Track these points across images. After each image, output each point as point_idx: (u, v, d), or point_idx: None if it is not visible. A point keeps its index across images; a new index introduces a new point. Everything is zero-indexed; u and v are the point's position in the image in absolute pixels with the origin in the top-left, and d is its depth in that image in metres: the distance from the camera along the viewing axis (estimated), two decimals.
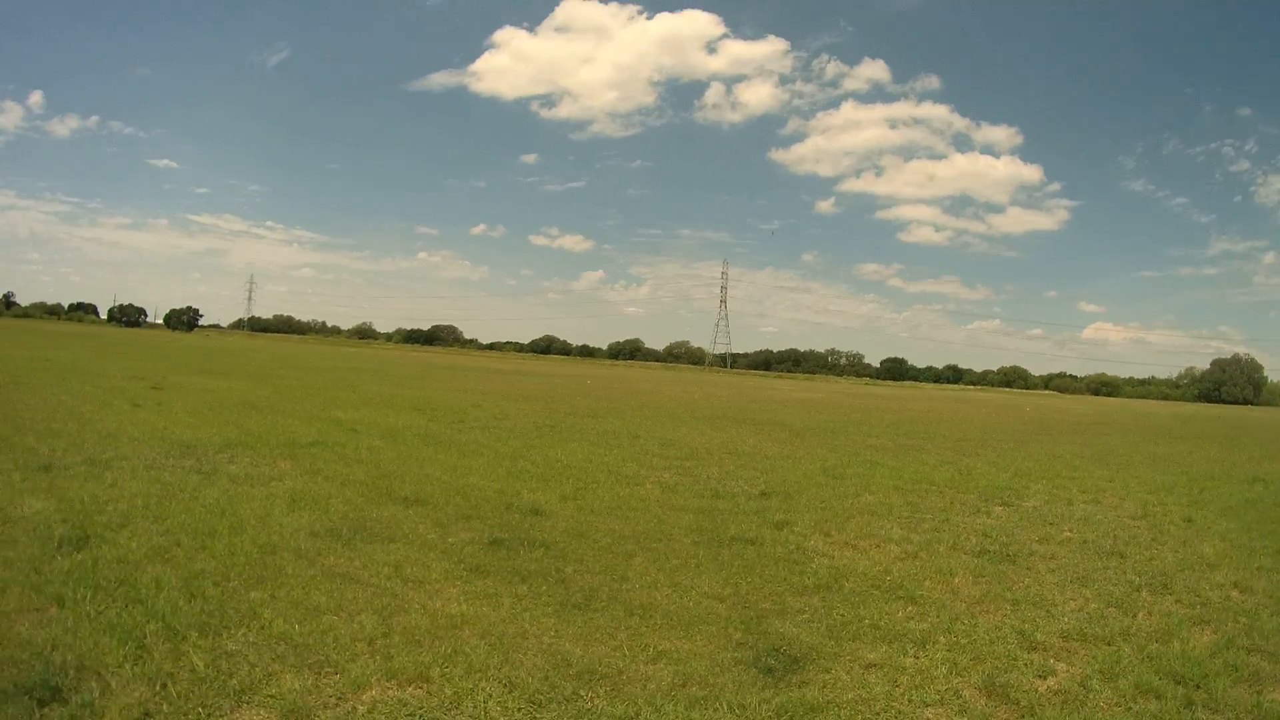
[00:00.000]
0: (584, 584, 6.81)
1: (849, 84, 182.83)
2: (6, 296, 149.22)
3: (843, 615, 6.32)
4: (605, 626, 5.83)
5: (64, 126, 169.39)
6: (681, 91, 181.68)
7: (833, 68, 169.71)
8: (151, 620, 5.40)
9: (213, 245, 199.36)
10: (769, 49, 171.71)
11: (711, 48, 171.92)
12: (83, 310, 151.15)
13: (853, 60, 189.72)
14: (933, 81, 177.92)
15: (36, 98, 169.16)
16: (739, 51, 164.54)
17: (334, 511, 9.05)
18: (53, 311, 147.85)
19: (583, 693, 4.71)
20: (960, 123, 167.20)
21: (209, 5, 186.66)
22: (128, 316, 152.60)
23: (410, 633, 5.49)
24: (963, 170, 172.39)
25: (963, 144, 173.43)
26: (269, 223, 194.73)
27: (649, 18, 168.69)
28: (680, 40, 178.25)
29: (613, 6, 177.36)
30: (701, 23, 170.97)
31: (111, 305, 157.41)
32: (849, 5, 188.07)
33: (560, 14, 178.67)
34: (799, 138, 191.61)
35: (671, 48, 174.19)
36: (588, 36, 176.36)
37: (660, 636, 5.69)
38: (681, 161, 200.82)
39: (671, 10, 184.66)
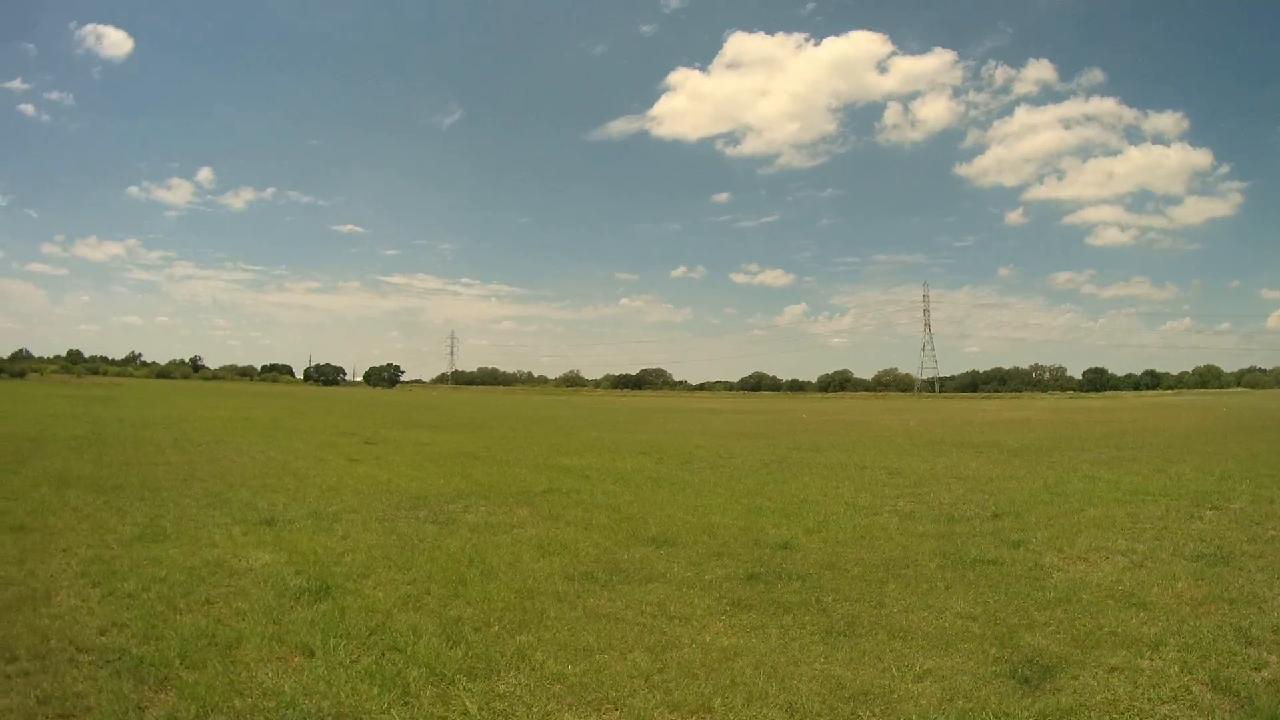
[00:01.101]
0: (844, 611, 7.75)
1: (1019, 88, 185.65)
2: (194, 360, 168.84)
3: (1084, 625, 7.29)
4: (870, 650, 6.67)
5: (239, 199, 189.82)
6: (860, 115, 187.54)
7: (1001, 73, 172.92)
8: (413, 666, 6.07)
9: (408, 304, 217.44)
10: (937, 61, 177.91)
11: (882, 67, 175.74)
12: (277, 371, 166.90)
13: (1018, 63, 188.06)
14: (1097, 75, 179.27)
15: (206, 173, 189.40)
16: (909, 68, 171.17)
17: (585, 555, 10.12)
18: (244, 373, 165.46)
19: (860, 713, 5.45)
20: (1129, 114, 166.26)
21: (376, 73, 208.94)
22: (325, 376, 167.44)
23: (685, 666, 6.20)
24: (1138, 164, 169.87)
25: (1134, 136, 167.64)
26: (465, 279, 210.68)
27: (816, 44, 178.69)
28: (851, 63, 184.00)
29: (779, 37, 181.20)
30: (868, 43, 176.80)
31: (307, 365, 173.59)
32: (1002, 5, 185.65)
33: (729, 50, 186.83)
34: (979, 149, 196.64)
35: (843, 72, 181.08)
36: (759, 70, 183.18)
37: (923, 656, 6.52)
38: (870, 186, 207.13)
39: (836, 34, 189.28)
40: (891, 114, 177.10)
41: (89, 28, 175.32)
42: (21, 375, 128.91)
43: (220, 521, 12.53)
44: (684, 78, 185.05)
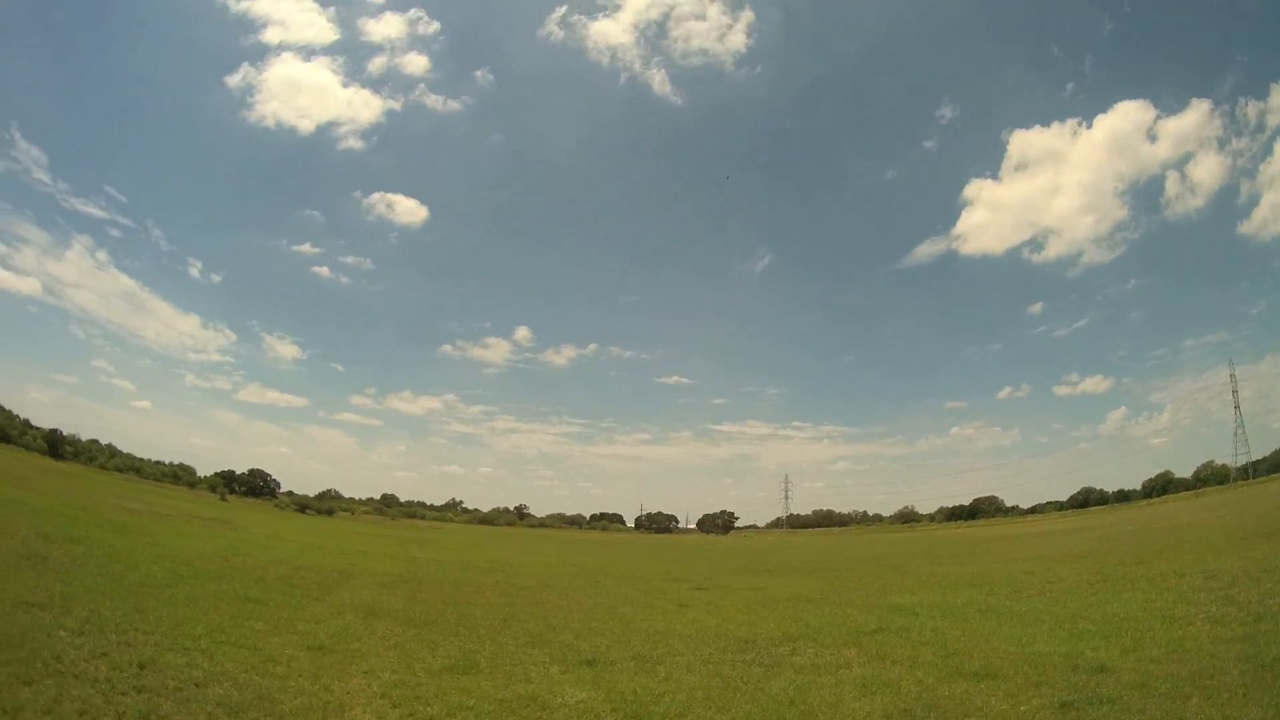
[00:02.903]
0: None
1: (1271, 120, 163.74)
2: (519, 508, 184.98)
3: None
4: None
5: (560, 356, 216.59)
6: (1143, 193, 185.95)
7: (1251, 109, 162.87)
8: None
9: (740, 451, 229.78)
10: (1196, 115, 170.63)
11: (1152, 135, 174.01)
12: (606, 519, 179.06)
13: (1260, 93, 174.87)
14: None
15: (524, 332, 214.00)
16: (1175, 129, 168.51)
17: (906, 693, 11.14)
18: (572, 521, 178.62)
19: None
20: None
21: (685, 227, 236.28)
22: (657, 524, 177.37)
23: None
24: None
25: None
26: (795, 423, 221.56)
27: (1088, 126, 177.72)
28: (1124, 139, 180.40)
29: (1055, 127, 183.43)
30: (1134, 112, 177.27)
31: (639, 514, 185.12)
32: (1233, 33, 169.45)
33: (1014, 152, 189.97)
34: (1254, 200, 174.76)
35: (1119, 150, 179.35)
36: (1046, 166, 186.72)
37: None
38: (1167, 268, 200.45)
39: (1103, 110, 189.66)
40: (1171, 184, 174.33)
41: (376, 196, 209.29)
42: (330, 513, 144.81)
43: (538, 660, 14.36)
44: (979, 189, 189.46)
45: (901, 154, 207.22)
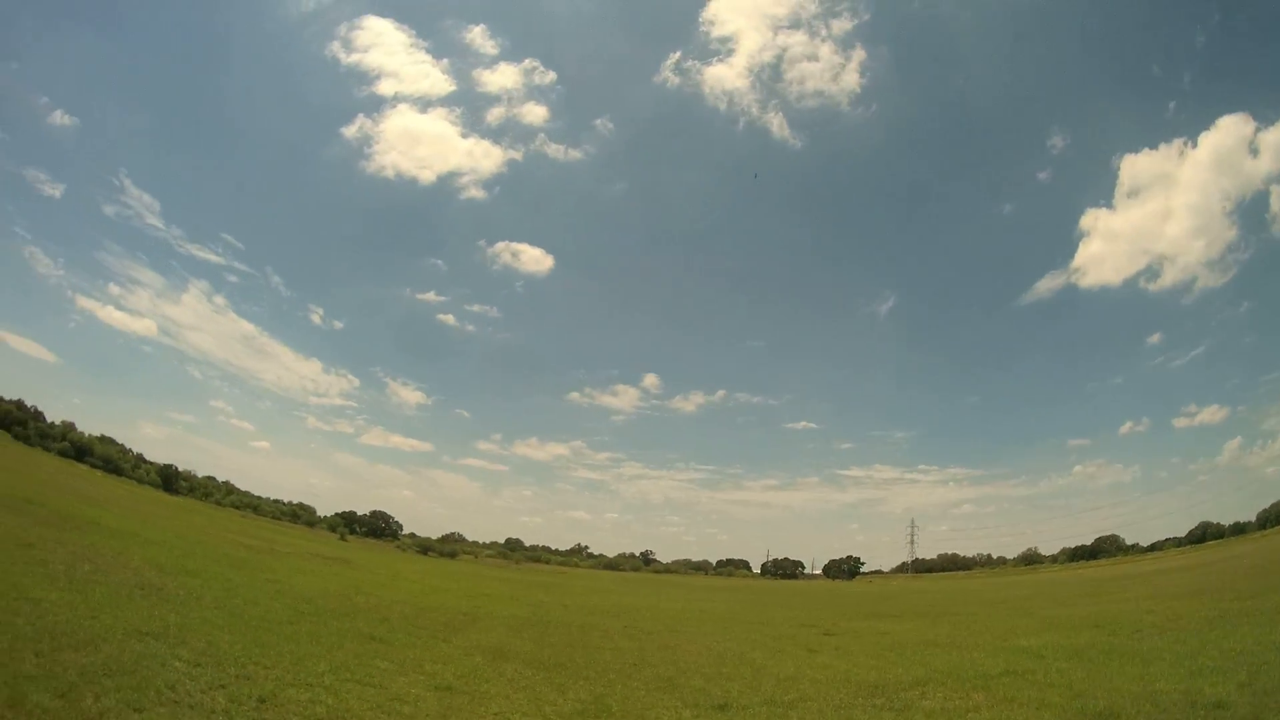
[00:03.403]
0: None
1: None
2: (645, 554, 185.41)
3: None
4: None
5: (689, 403, 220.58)
6: (1249, 211, 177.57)
7: None
8: None
9: (866, 496, 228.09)
10: None
11: (1253, 149, 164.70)
12: (732, 565, 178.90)
13: None
14: None
15: (652, 379, 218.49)
16: (1274, 140, 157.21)
17: None
18: (698, 567, 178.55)
19: None
20: None
21: (807, 271, 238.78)
22: (783, 569, 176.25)
23: None
24: None
25: None
26: (921, 466, 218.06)
27: (1194, 145, 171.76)
28: (1227, 156, 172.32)
29: (1162, 150, 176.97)
30: (1235, 126, 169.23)
31: (765, 560, 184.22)
32: None
33: (1125, 178, 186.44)
34: None
35: (1224, 168, 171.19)
36: (1157, 191, 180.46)
37: None
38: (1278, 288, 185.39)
39: (1206, 127, 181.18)
40: (1276, 199, 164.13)
41: (501, 245, 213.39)
42: (453, 555, 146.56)
43: (669, 705, 14.80)
44: (1094, 219, 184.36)
45: (1017, 187, 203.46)
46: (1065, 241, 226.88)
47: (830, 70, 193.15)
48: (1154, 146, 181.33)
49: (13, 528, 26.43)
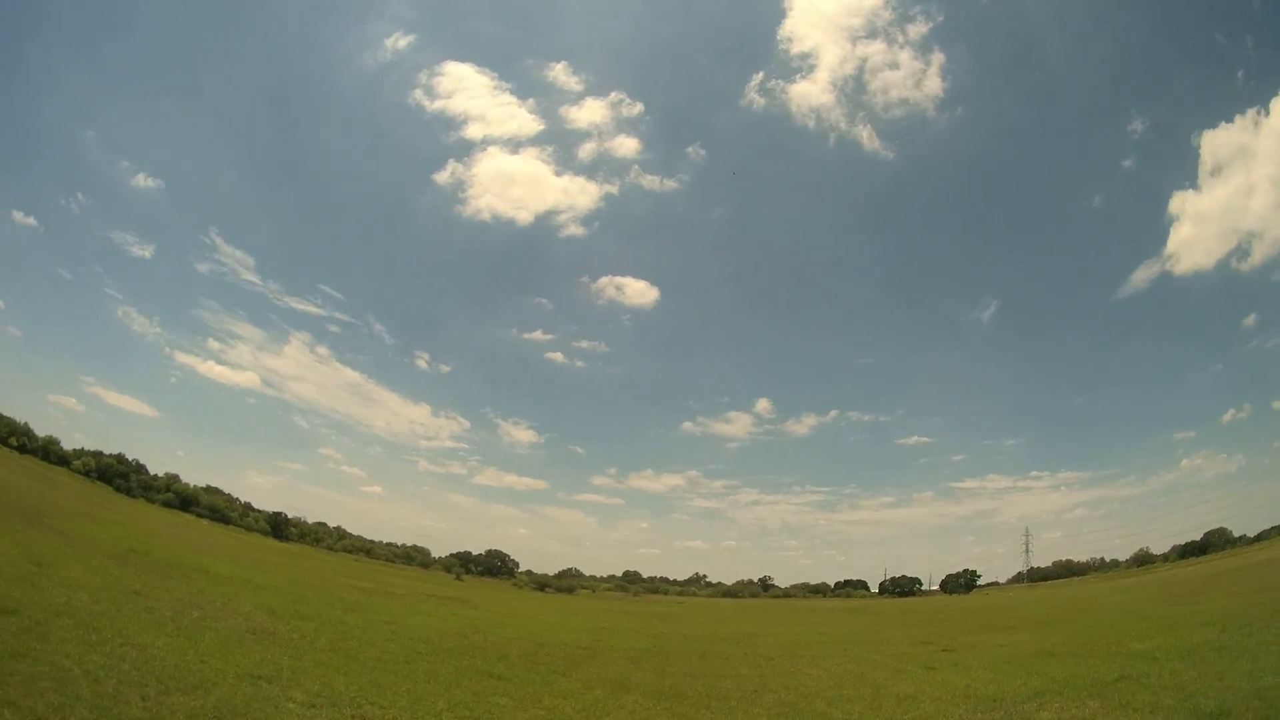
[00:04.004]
0: None
1: None
2: (763, 580, 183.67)
3: None
4: None
5: (801, 425, 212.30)
6: None
7: None
8: None
9: (980, 507, 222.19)
10: None
11: None
12: (850, 586, 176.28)
13: None
14: None
15: (764, 404, 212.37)
16: None
17: None
18: (816, 590, 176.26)
19: None
20: None
21: (920, 281, 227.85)
22: (900, 587, 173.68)
23: None
24: None
25: None
26: (1034, 473, 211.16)
27: (1265, 114, 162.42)
28: None
29: (1237, 121, 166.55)
30: None
31: (883, 578, 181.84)
32: None
33: (1206, 155, 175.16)
34: None
35: None
36: (1238, 166, 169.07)
37: None
38: None
39: (1275, 93, 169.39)
40: None
41: (605, 279, 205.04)
42: (570, 591, 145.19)
43: None
44: (1182, 202, 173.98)
45: (1104, 177, 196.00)
46: (1156, 228, 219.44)
47: (912, 77, 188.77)
48: (1229, 119, 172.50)
49: (118, 577, 26.44)
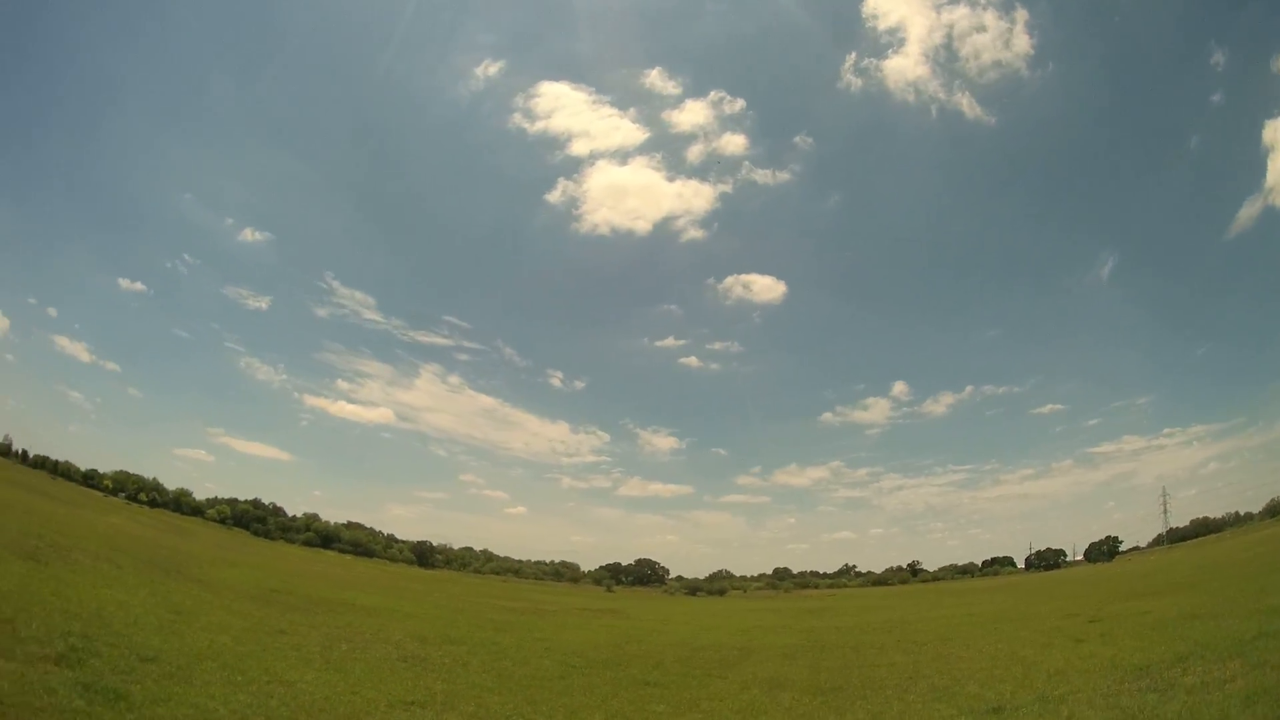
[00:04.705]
0: None
1: None
2: (912, 565, 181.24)
3: None
4: None
5: (939, 405, 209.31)
6: None
7: None
8: None
9: (1118, 470, 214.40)
10: None
11: None
12: (997, 564, 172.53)
13: None
14: None
15: (900, 387, 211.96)
16: None
17: None
18: (964, 571, 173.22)
19: None
20: None
21: (1035, 245, 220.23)
22: (1046, 561, 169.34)
23: None
24: None
25: None
26: (1166, 430, 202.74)
27: None
28: None
29: None
30: None
31: (1028, 553, 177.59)
32: None
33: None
34: None
35: None
36: None
37: None
38: None
39: None
40: None
41: (730, 279, 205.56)
42: (721, 593, 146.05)
43: (946, 715, 14.97)
44: (1274, 131, 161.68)
45: (1196, 116, 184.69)
46: (1254, 161, 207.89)
47: (1000, 37, 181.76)
48: None
49: (262, 618, 26.45)
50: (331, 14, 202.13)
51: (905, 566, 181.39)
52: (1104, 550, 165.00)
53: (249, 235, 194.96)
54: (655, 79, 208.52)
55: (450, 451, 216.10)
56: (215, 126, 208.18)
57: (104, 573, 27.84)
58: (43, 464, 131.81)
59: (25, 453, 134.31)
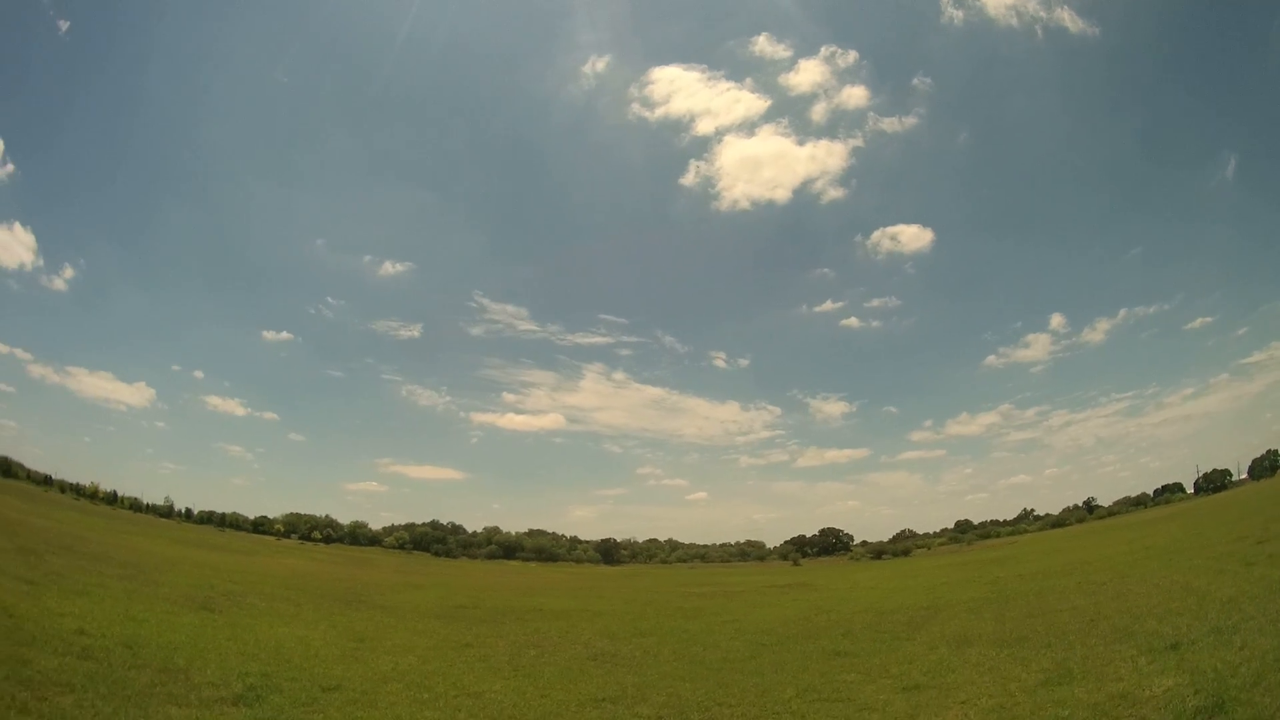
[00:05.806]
0: None
1: None
2: (1087, 502, 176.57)
3: None
4: None
5: (1096, 333, 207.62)
6: None
7: None
8: None
9: (1272, 379, 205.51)
10: None
11: None
12: (1168, 491, 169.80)
13: None
14: None
15: (1058, 319, 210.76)
16: None
17: None
18: (1137, 503, 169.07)
19: None
20: None
21: (1161, 154, 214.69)
22: (1213, 483, 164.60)
23: None
24: None
25: None
26: None
27: None
28: None
29: None
30: None
31: (1195, 477, 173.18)
32: None
33: None
34: None
35: None
36: None
37: None
38: None
39: None
40: None
41: (877, 234, 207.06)
42: (906, 553, 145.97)
43: (1127, 655, 14.42)
44: None
45: None
46: None
47: None
48: None
49: (447, 635, 26.26)
50: (427, 48, 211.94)
51: (1081, 504, 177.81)
52: (1266, 465, 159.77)
53: (389, 268, 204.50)
54: (764, 44, 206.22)
55: (624, 447, 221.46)
56: (336, 173, 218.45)
57: (281, 612, 28.44)
58: (208, 519, 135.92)
59: (189, 510, 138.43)
